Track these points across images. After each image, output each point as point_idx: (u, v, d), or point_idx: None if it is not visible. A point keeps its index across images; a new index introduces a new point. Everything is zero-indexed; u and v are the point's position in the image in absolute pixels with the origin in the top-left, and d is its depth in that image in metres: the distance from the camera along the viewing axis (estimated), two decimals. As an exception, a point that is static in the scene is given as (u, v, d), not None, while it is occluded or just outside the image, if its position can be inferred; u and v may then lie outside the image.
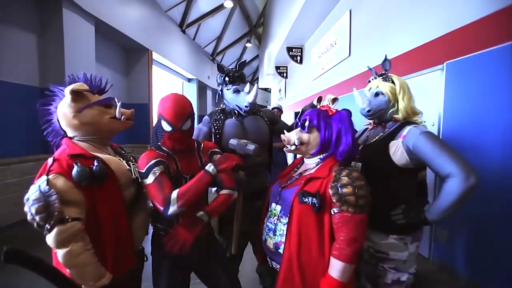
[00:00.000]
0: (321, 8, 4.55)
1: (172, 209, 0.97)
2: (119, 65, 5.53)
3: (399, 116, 1.13)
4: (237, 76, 1.44)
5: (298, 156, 1.18)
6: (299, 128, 1.06)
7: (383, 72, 1.22)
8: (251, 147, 1.22)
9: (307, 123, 1.02)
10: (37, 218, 0.79)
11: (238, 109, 1.44)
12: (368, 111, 1.18)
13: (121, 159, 1.08)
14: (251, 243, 1.54)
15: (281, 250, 1.00)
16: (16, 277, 2.05)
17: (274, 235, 1.04)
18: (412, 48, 2.46)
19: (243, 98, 1.40)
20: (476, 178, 0.91)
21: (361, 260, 1.19)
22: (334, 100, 1.08)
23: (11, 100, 3.03)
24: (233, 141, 1.25)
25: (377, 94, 1.17)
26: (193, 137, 1.43)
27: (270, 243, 1.05)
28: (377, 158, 1.11)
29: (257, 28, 12.63)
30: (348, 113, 1.03)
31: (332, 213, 0.92)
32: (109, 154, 1.04)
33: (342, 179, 0.90)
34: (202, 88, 10.73)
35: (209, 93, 11.50)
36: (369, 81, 1.25)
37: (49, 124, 1.02)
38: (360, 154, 1.18)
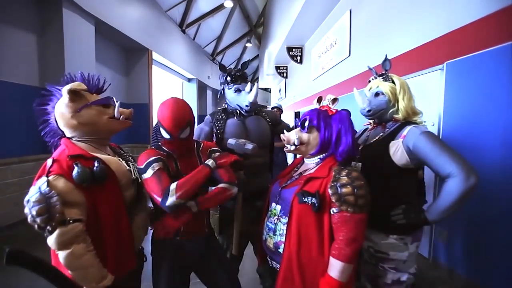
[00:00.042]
0: (321, 8, 4.54)
1: (170, 200, 0.96)
2: (119, 65, 5.53)
3: (399, 116, 1.13)
4: (239, 76, 1.43)
5: (298, 156, 1.18)
6: (298, 128, 1.06)
7: (383, 72, 1.22)
8: (250, 146, 1.22)
9: (307, 123, 1.02)
10: (38, 220, 0.79)
11: (239, 109, 1.44)
12: (368, 111, 1.18)
13: (121, 160, 1.07)
14: (252, 243, 1.54)
15: (281, 250, 1.00)
16: (16, 277, 2.05)
17: (274, 234, 1.04)
18: (412, 48, 2.46)
19: (244, 98, 1.40)
20: (477, 178, 0.91)
21: (361, 260, 1.19)
22: (334, 100, 1.08)
23: (11, 100, 3.03)
24: (231, 141, 1.25)
25: (377, 94, 1.17)
26: (194, 137, 1.43)
27: (270, 242, 1.06)
28: (377, 158, 1.11)
29: (257, 28, 12.62)
30: (348, 113, 1.03)
31: (332, 212, 0.92)
32: (109, 154, 1.04)
33: (341, 178, 0.91)
34: (202, 88, 10.73)
35: (209, 93, 11.50)
36: (369, 81, 1.25)
37: (46, 124, 1.01)
38: (360, 154, 1.18)
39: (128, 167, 1.07)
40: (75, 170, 0.85)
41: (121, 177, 0.99)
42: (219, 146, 1.32)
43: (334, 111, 1.03)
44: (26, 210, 0.81)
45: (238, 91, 1.42)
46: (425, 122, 1.17)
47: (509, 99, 1.62)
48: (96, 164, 0.90)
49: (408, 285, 1.10)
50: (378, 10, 3.12)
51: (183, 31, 8.26)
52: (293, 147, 1.05)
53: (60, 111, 0.96)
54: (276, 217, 1.05)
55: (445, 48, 2.08)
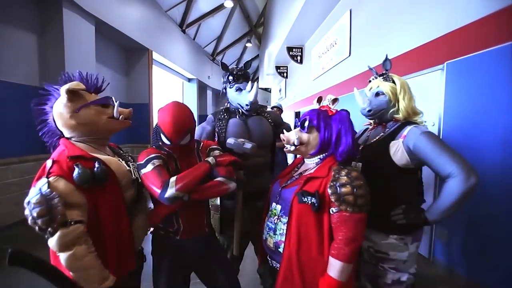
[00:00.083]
0: (321, 8, 4.54)
1: (170, 191, 0.95)
2: (119, 65, 5.53)
3: (400, 116, 1.13)
4: (240, 75, 1.43)
5: (299, 156, 1.18)
6: (298, 128, 1.06)
7: (384, 71, 1.22)
8: (248, 145, 1.22)
9: (306, 123, 1.02)
10: (39, 222, 0.78)
11: (240, 108, 1.44)
12: (369, 111, 1.18)
13: (120, 160, 1.07)
14: (252, 243, 1.54)
15: (281, 249, 1.00)
16: (16, 277, 2.05)
17: (274, 234, 1.04)
18: (412, 48, 2.46)
19: (244, 97, 1.40)
20: (477, 178, 0.91)
21: (361, 260, 1.19)
22: (335, 100, 1.08)
23: (11, 100, 3.03)
24: (230, 140, 1.26)
25: (377, 94, 1.17)
26: (196, 136, 1.43)
27: (270, 242, 1.06)
28: (377, 158, 1.11)
29: (257, 28, 12.62)
30: (348, 113, 1.03)
31: (331, 212, 0.92)
32: (108, 155, 1.03)
33: (341, 178, 0.91)
34: (202, 88, 10.73)
35: (209, 93, 11.50)
36: (370, 81, 1.24)
37: (44, 124, 0.99)
38: (361, 154, 1.18)
39: (128, 168, 1.06)
40: (76, 171, 0.85)
41: (122, 177, 0.99)
42: (220, 145, 1.32)
43: (334, 111, 1.03)
44: (27, 212, 0.80)
45: (239, 90, 1.41)
46: (425, 122, 1.17)
47: (509, 99, 1.62)
48: (96, 165, 0.89)
49: (408, 285, 1.10)
50: (378, 10, 3.12)
51: (183, 31, 8.26)
52: (292, 148, 1.05)
53: (59, 111, 0.95)
54: (276, 217, 1.05)
55: (445, 48, 2.08)
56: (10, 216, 2.95)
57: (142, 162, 1.04)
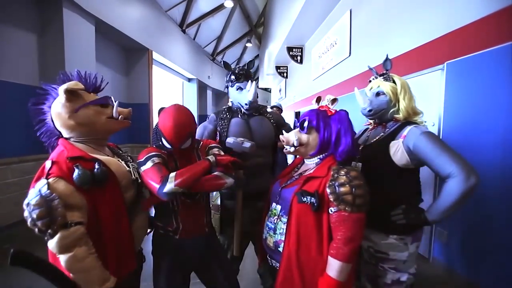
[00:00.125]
0: (321, 8, 4.54)
1: (169, 186, 0.95)
2: (119, 64, 5.53)
3: (400, 116, 1.12)
4: (241, 74, 1.42)
5: (298, 156, 1.18)
6: (297, 129, 1.06)
7: (384, 71, 1.22)
8: (247, 144, 1.22)
9: (306, 124, 1.02)
10: (38, 223, 0.76)
11: (241, 107, 1.44)
12: (370, 110, 1.17)
13: (120, 160, 1.07)
14: (253, 243, 1.54)
15: (280, 249, 1.01)
16: (16, 277, 2.05)
17: (274, 233, 1.04)
18: (413, 48, 2.46)
19: (244, 96, 1.40)
20: (477, 178, 0.91)
21: (361, 260, 1.19)
22: (334, 100, 1.07)
23: (11, 99, 3.03)
24: (230, 140, 1.26)
25: (378, 94, 1.17)
26: (197, 135, 1.43)
27: (270, 241, 1.06)
28: (377, 158, 1.11)
29: (257, 28, 12.62)
30: (347, 113, 1.03)
31: (330, 212, 0.92)
32: (107, 155, 1.03)
33: (339, 178, 0.91)
34: (202, 88, 10.73)
35: (209, 93, 11.50)
36: (370, 81, 1.24)
37: (42, 124, 0.98)
38: (361, 154, 1.18)
39: (128, 168, 1.06)
40: (76, 173, 0.84)
41: (121, 178, 0.98)
42: (222, 145, 1.31)
43: (333, 111, 1.03)
44: (26, 214, 0.78)
45: (239, 89, 1.41)
46: (425, 122, 1.17)
47: (509, 99, 1.62)
48: (96, 166, 0.88)
49: (408, 285, 1.10)
50: (378, 10, 3.12)
51: (183, 31, 8.26)
52: (292, 149, 1.05)
53: (57, 111, 0.93)
54: (276, 216, 1.05)
55: (446, 48, 2.08)
56: (10, 216, 2.95)
57: (142, 159, 1.04)
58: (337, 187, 0.89)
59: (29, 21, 3.31)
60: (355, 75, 3.66)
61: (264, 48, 11.18)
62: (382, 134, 1.16)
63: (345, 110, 1.04)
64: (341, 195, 0.88)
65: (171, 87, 8.97)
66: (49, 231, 0.78)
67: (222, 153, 1.21)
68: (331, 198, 0.90)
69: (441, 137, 2.05)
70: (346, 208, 0.88)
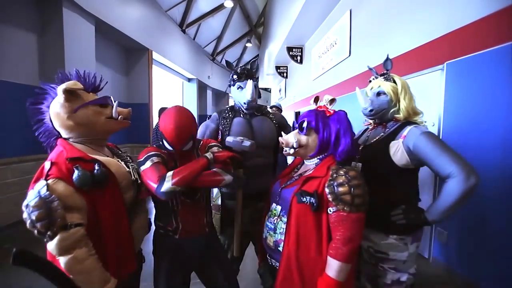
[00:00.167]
0: (321, 8, 4.54)
1: (166, 186, 0.94)
2: (119, 64, 5.53)
3: (400, 115, 1.12)
4: (242, 73, 1.42)
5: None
6: (296, 130, 1.05)
7: (385, 71, 1.22)
8: (247, 143, 1.22)
9: (305, 124, 1.01)
10: (38, 225, 0.76)
11: (241, 107, 1.44)
12: (371, 110, 1.17)
13: (119, 160, 1.06)
14: (253, 243, 1.54)
15: (280, 248, 1.01)
16: (16, 277, 2.05)
17: (275, 233, 1.04)
18: (412, 48, 2.46)
19: (243, 95, 1.40)
20: (477, 178, 0.91)
21: (361, 260, 1.19)
22: (332, 101, 1.07)
23: (11, 99, 3.03)
24: (229, 139, 1.25)
25: (379, 94, 1.16)
26: (199, 134, 1.43)
27: (270, 240, 1.06)
28: (377, 158, 1.11)
29: (257, 28, 12.62)
30: (345, 113, 1.03)
31: (329, 212, 0.92)
32: (107, 156, 1.02)
33: (338, 178, 0.90)
34: (202, 88, 10.73)
35: (209, 93, 11.50)
36: (370, 81, 1.24)
37: (41, 124, 0.96)
38: (360, 154, 1.18)
39: (127, 169, 1.05)
40: (76, 174, 0.83)
41: (121, 179, 0.97)
42: (224, 144, 1.31)
43: (331, 111, 1.03)
44: (25, 215, 0.77)
45: (240, 88, 1.41)
46: (425, 122, 1.17)
47: (509, 100, 1.62)
48: (96, 167, 0.87)
49: (408, 285, 1.10)
50: (378, 10, 3.12)
51: (183, 31, 8.25)
52: (292, 150, 1.04)
53: (55, 111, 0.92)
54: (276, 217, 1.05)
55: (445, 48, 2.08)
56: (10, 216, 2.95)
57: (142, 159, 1.04)
58: (335, 187, 0.89)
59: (29, 21, 3.31)
60: (355, 75, 3.65)
61: (264, 48, 11.17)
62: (382, 134, 1.16)
63: (344, 110, 1.04)
64: (340, 195, 0.88)
65: (171, 87, 8.97)
66: (48, 233, 0.77)
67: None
68: (329, 198, 0.90)
69: (441, 137, 2.05)
70: (345, 208, 0.88)
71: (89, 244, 0.85)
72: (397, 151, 1.05)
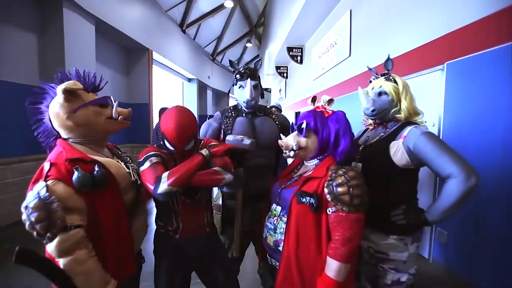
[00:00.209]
0: (321, 8, 4.54)
1: (162, 187, 0.93)
2: (120, 64, 5.53)
3: (402, 115, 1.12)
4: (243, 72, 1.42)
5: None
6: (295, 132, 1.05)
7: (386, 71, 1.22)
8: (247, 141, 1.21)
9: (304, 126, 1.01)
10: (37, 227, 0.74)
11: (243, 106, 1.44)
12: (373, 110, 1.16)
13: (119, 161, 1.05)
14: (254, 244, 1.54)
15: (280, 248, 1.01)
16: (16, 277, 2.05)
17: (275, 232, 1.05)
18: (413, 48, 2.46)
19: (243, 94, 1.40)
20: (477, 178, 0.91)
21: (361, 260, 1.19)
22: (330, 101, 1.07)
23: (11, 99, 3.03)
24: (229, 137, 1.25)
25: (380, 94, 1.16)
26: (202, 132, 1.43)
27: (271, 240, 1.06)
28: (377, 158, 1.11)
29: (257, 28, 12.62)
30: (344, 113, 1.03)
31: (328, 212, 0.92)
32: (107, 156, 1.01)
33: (337, 178, 0.90)
34: (202, 88, 10.73)
35: (209, 93, 11.50)
36: (370, 81, 1.24)
37: (40, 124, 0.95)
38: (361, 155, 1.17)
39: (127, 170, 1.04)
40: (75, 175, 0.82)
41: (121, 180, 0.97)
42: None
43: (330, 112, 1.03)
44: (24, 217, 0.76)
45: (241, 87, 1.41)
46: (425, 122, 1.17)
47: (509, 100, 1.62)
48: (96, 168, 0.86)
49: (408, 285, 1.10)
50: (379, 10, 3.12)
51: (183, 31, 8.26)
52: (292, 153, 1.04)
53: (55, 111, 0.91)
54: (276, 217, 1.05)
55: (446, 48, 2.08)
56: (10, 216, 2.95)
57: (141, 159, 1.04)
58: (334, 187, 0.89)
59: (29, 21, 3.31)
60: (355, 75, 3.65)
61: (264, 48, 11.18)
62: (383, 134, 1.16)
63: (342, 111, 1.04)
64: (339, 195, 0.88)
65: (171, 87, 8.97)
66: (48, 234, 0.76)
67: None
68: (328, 198, 0.90)
69: (441, 138, 2.05)
70: (344, 208, 0.88)
71: (89, 246, 0.84)
72: (397, 151, 1.05)
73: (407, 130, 1.06)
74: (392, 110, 1.14)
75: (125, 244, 0.97)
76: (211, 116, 1.57)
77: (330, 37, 4.59)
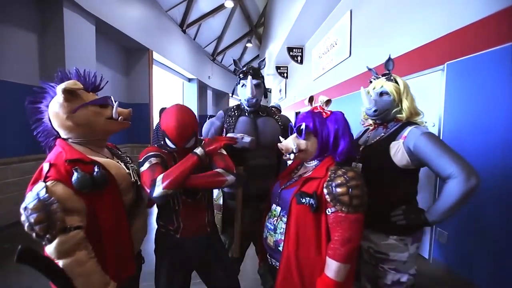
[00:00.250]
0: (321, 8, 4.54)
1: (157, 190, 0.92)
2: (120, 64, 5.53)
3: (403, 115, 1.12)
4: (245, 71, 1.42)
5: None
6: (295, 135, 1.04)
7: (386, 71, 1.21)
8: (247, 139, 1.21)
9: (303, 127, 1.00)
10: (36, 228, 0.74)
11: (244, 104, 1.44)
12: (375, 111, 1.15)
13: (119, 162, 1.05)
14: (254, 244, 1.54)
15: (280, 248, 1.01)
16: (16, 277, 2.04)
17: (275, 233, 1.05)
18: (413, 48, 2.46)
19: (245, 92, 1.40)
20: (477, 179, 0.90)
21: (361, 260, 1.19)
22: (328, 102, 1.07)
23: (11, 99, 3.03)
24: (229, 135, 1.25)
25: (381, 94, 1.15)
26: (204, 131, 1.43)
27: (271, 240, 1.06)
28: (377, 159, 1.11)
29: (257, 28, 12.62)
30: (342, 114, 1.02)
31: (327, 213, 0.92)
32: (107, 157, 1.00)
33: (337, 178, 0.90)
34: (202, 88, 10.73)
35: (209, 93, 11.50)
36: (371, 81, 1.24)
37: (39, 123, 0.94)
38: (361, 155, 1.17)
39: (127, 170, 1.04)
40: (75, 176, 0.81)
41: (121, 181, 0.96)
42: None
43: (328, 112, 1.02)
44: (23, 218, 0.75)
45: (244, 86, 1.41)
46: (425, 122, 1.16)
47: (510, 100, 1.62)
48: (96, 169, 0.86)
49: (408, 285, 1.10)
50: (379, 10, 3.12)
51: (184, 31, 8.26)
52: (292, 155, 1.03)
53: (54, 111, 0.90)
54: (276, 217, 1.05)
55: (446, 48, 2.08)
56: (10, 216, 2.95)
57: (141, 160, 1.03)
58: (334, 188, 0.89)
59: (30, 21, 3.31)
60: (355, 76, 3.65)
61: (264, 48, 11.18)
62: (383, 134, 1.16)
63: (341, 111, 1.04)
64: (338, 196, 0.88)
65: (171, 87, 8.97)
66: (47, 236, 0.75)
67: (224, 152, 1.18)
68: (328, 198, 0.90)
69: (441, 138, 2.04)
70: (343, 209, 0.88)
71: (88, 247, 0.83)
72: (398, 152, 1.05)
73: (408, 130, 1.06)
74: (394, 110, 1.14)
75: (125, 245, 0.96)
76: (212, 116, 1.57)
77: (330, 37, 4.59)
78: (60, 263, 0.79)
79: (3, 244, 2.59)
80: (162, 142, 1.16)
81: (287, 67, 8.28)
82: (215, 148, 1.06)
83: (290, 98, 8.25)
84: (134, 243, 1.03)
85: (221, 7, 8.97)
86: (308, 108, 1.08)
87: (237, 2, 9.88)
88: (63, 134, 0.94)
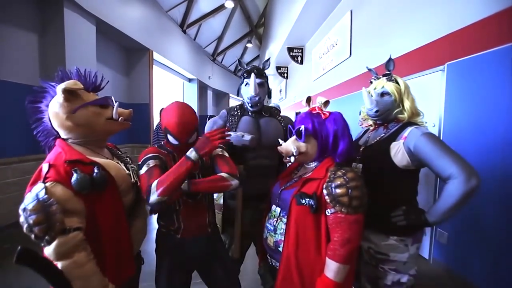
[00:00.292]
0: (322, 9, 4.55)
1: (153, 198, 0.91)
2: (120, 65, 5.53)
3: (405, 115, 1.12)
4: (248, 70, 1.41)
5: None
6: (294, 137, 1.04)
7: (387, 72, 1.21)
8: (248, 137, 1.21)
9: (302, 129, 1.00)
10: (35, 229, 0.73)
11: (247, 103, 1.44)
12: (376, 111, 1.15)
13: (119, 162, 1.04)
14: (254, 244, 1.54)
15: (280, 248, 1.01)
16: (16, 277, 2.04)
17: (275, 233, 1.04)
18: (413, 49, 2.46)
19: (247, 91, 1.40)
20: (478, 179, 0.90)
21: (361, 261, 1.19)
22: (326, 103, 1.07)
23: (12, 99, 3.03)
24: (226, 132, 1.25)
25: (382, 94, 1.15)
26: (206, 130, 1.43)
27: (271, 241, 1.06)
28: (378, 159, 1.11)
29: (258, 28, 12.63)
30: (341, 114, 1.02)
31: (327, 213, 0.92)
32: (106, 157, 1.00)
33: (336, 179, 0.90)
34: (202, 88, 10.73)
35: (209, 93, 11.50)
36: (371, 82, 1.24)
37: (39, 123, 0.94)
38: (361, 156, 1.17)
39: (127, 171, 1.03)
40: (74, 177, 0.81)
41: (121, 182, 0.95)
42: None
43: (327, 113, 1.02)
44: (22, 219, 0.75)
45: (247, 85, 1.41)
46: (426, 123, 1.16)
47: (510, 101, 1.62)
48: (95, 170, 0.85)
49: (408, 286, 1.10)
50: (379, 10, 3.12)
51: (184, 31, 8.26)
52: (292, 158, 1.03)
53: (54, 110, 0.89)
54: (276, 218, 1.05)
55: (446, 49, 2.08)
56: (10, 216, 2.95)
57: (140, 162, 1.03)
58: (333, 189, 0.89)
59: (30, 21, 3.32)
60: (355, 76, 3.66)
61: (264, 48, 11.19)
62: (383, 135, 1.16)
63: (339, 112, 1.03)
64: (337, 197, 0.88)
65: (171, 87, 8.97)
66: (46, 237, 0.74)
67: (226, 153, 1.17)
68: (327, 199, 0.90)
69: (441, 138, 2.04)
70: (342, 210, 0.88)
71: (87, 249, 0.83)
72: (398, 152, 1.05)
73: (408, 131, 1.06)
74: (395, 111, 1.13)
75: (124, 246, 0.96)
76: (212, 116, 1.57)
77: (330, 38, 4.59)
78: (59, 264, 0.78)
79: (3, 244, 2.58)
80: (162, 142, 1.16)
81: (287, 67, 8.29)
82: (210, 151, 1.04)
83: (290, 98, 8.26)
84: (134, 244, 1.03)
85: (221, 7, 8.97)
86: (307, 108, 1.08)
87: (237, 3, 9.89)
88: (63, 134, 0.93)
